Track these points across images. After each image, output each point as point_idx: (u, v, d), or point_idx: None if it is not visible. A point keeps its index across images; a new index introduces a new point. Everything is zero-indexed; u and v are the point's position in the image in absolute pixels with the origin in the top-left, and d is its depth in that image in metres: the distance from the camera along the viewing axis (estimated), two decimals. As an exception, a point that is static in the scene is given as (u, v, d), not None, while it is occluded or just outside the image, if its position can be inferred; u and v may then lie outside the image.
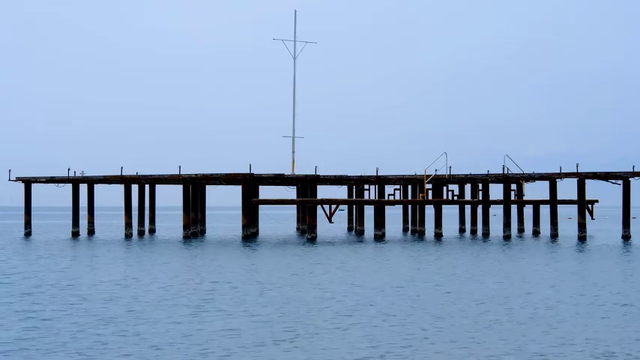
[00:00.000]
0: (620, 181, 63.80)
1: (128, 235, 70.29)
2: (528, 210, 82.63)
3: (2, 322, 21.86)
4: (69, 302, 25.93)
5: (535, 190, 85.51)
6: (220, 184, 72.77)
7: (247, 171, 64.42)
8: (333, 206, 62.78)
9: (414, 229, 75.28)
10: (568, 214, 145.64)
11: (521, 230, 76.45)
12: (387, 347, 18.33)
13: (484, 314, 23.29)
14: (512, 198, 72.58)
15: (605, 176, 63.76)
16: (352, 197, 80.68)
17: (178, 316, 22.89)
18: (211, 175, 66.39)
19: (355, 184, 75.97)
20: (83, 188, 73.30)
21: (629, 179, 63.12)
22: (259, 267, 39.24)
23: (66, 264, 41.67)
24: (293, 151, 75.39)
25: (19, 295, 27.80)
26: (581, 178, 64.32)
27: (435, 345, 18.65)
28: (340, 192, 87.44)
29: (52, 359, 17.12)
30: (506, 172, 67.92)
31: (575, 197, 66.64)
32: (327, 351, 17.98)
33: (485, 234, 69.90)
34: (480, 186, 71.55)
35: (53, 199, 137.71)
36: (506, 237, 67.27)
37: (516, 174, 68.14)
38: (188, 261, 43.45)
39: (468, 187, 76.30)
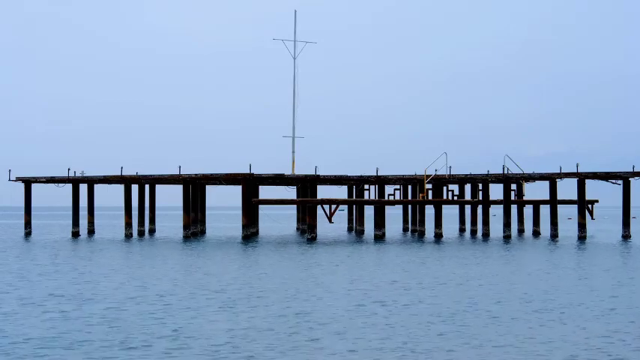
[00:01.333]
0: (620, 181, 63.75)
1: (128, 235, 70.20)
2: (528, 210, 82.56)
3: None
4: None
5: (535, 190, 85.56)
6: (220, 184, 72.73)
7: (247, 171, 64.39)
8: (333, 206, 62.74)
9: (414, 229, 75.22)
10: (568, 214, 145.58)
11: (521, 230, 76.29)
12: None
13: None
14: (512, 198, 72.47)
15: (605, 176, 63.70)
16: (352, 197, 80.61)
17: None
18: (211, 175, 66.34)
19: (355, 184, 75.92)
20: (83, 188, 73.31)
21: (629, 179, 63.07)
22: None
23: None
24: (293, 151, 75.42)
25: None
26: (581, 178, 64.26)
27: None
28: (340, 192, 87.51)
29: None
30: (506, 172, 67.85)
31: (575, 197, 66.61)
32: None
33: (485, 234, 69.77)
34: (480, 186, 71.46)
35: (53, 199, 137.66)
36: (506, 237, 67.15)
37: (516, 174, 68.07)
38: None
39: (468, 187, 76.24)
